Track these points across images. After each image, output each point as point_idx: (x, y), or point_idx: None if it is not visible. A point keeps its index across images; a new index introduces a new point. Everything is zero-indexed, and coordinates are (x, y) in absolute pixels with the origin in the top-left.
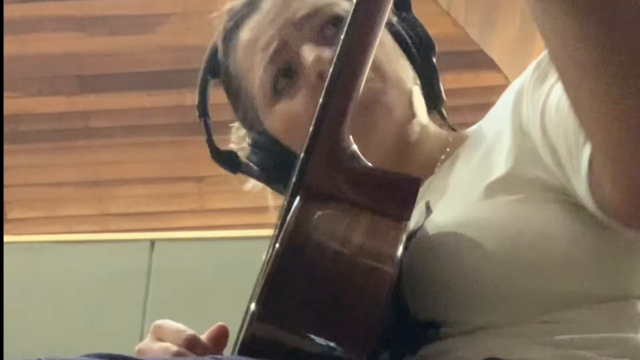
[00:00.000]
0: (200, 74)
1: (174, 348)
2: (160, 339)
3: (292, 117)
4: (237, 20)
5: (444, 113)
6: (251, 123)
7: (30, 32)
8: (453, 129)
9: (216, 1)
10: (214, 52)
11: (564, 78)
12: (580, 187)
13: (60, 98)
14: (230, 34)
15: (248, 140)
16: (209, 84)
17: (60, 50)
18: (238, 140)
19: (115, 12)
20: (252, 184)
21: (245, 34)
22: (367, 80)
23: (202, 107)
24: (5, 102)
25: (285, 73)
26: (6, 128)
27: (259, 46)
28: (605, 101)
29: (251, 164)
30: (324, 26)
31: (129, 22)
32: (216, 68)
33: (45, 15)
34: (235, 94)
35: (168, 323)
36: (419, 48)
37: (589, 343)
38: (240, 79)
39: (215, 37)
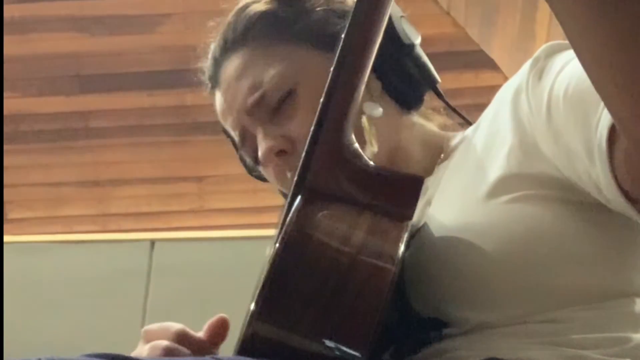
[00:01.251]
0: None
1: (163, 343)
2: (149, 341)
3: (272, 180)
4: (212, 81)
5: (442, 93)
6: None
7: (30, 32)
8: (455, 110)
9: (216, 1)
10: None
11: (586, 51)
12: (597, 171)
13: (60, 98)
14: (211, 82)
15: None
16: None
17: (60, 50)
18: None
19: (115, 12)
20: None
21: (218, 99)
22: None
23: (226, 133)
24: (5, 102)
25: (256, 160)
26: (6, 128)
27: (229, 124)
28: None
29: None
30: (277, 106)
31: (129, 22)
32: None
33: (45, 15)
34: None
35: (154, 325)
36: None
37: (589, 342)
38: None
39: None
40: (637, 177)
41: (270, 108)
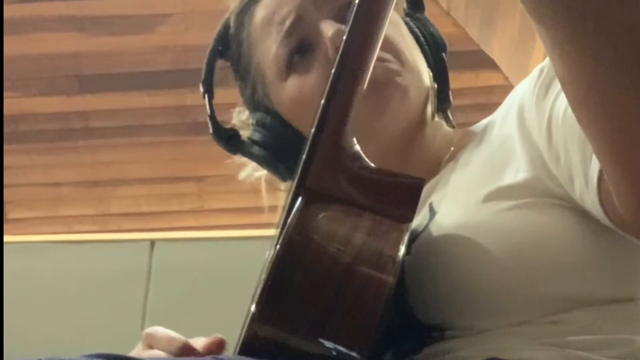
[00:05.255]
0: (208, 49)
1: (163, 355)
2: (151, 347)
3: (303, 93)
4: None
5: (450, 115)
6: (258, 101)
7: (30, 32)
8: (454, 127)
9: (216, 1)
10: (226, 28)
11: (567, 95)
12: (590, 200)
13: (60, 98)
14: (245, 8)
15: (252, 120)
16: (217, 61)
17: (60, 50)
18: (240, 124)
19: (115, 12)
20: (246, 172)
21: (261, 9)
22: (384, 61)
23: (208, 84)
24: (5, 102)
25: (301, 48)
26: (6, 128)
27: (275, 21)
28: (608, 118)
29: (253, 144)
30: (343, 7)
31: (129, 22)
32: (226, 45)
33: (45, 15)
34: (244, 69)
35: (160, 331)
36: (431, 46)
37: (593, 344)
38: (251, 54)
39: (228, 14)
40: (615, 212)
41: (338, 6)
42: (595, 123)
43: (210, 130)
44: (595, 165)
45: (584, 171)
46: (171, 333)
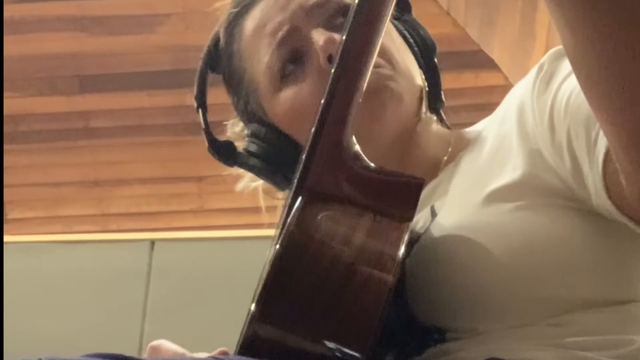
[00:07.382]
0: (200, 64)
1: None
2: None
3: (298, 103)
4: (242, 8)
5: (443, 115)
6: (252, 113)
7: (30, 32)
8: (448, 128)
9: (216, 1)
10: (216, 42)
11: (578, 75)
12: (594, 185)
13: (60, 98)
14: (234, 21)
15: (247, 132)
16: (209, 75)
17: (60, 50)
18: (234, 136)
19: (115, 12)
20: (243, 184)
21: (251, 21)
22: (377, 67)
23: (201, 98)
24: (5, 102)
25: (293, 58)
26: (6, 128)
27: (267, 31)
28: (621, 94)
29: (249, 156)
30: (334, 14)
31: (129, 22)
32: (217, 58)
33: (45, 15)
34: (237, 82)
35: (165, 345)
36: (421, 49)
37: (592, 344)
38: (243, 67)
39: (218, 26)
40: (620, 194)
41: (329, 14)
42: (608, 101)
43: (206, 144)
44: (600, 149)
45: (589, 156)
46: (176, 347)
